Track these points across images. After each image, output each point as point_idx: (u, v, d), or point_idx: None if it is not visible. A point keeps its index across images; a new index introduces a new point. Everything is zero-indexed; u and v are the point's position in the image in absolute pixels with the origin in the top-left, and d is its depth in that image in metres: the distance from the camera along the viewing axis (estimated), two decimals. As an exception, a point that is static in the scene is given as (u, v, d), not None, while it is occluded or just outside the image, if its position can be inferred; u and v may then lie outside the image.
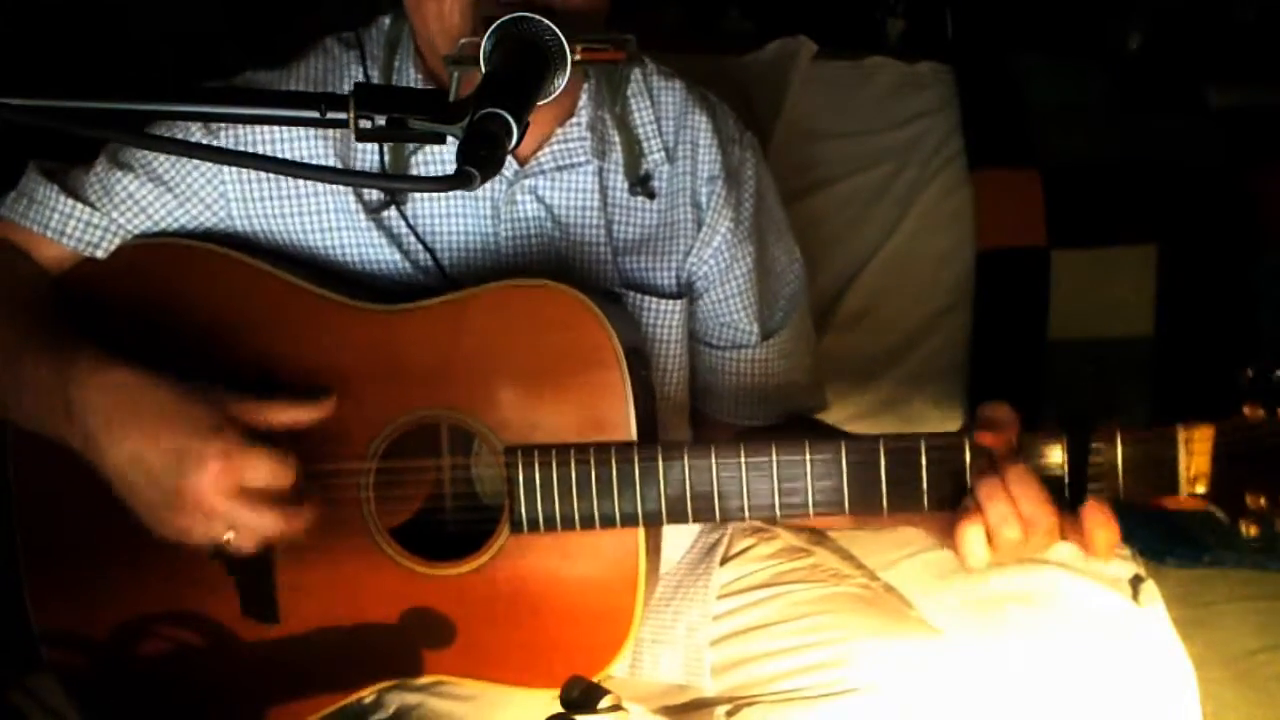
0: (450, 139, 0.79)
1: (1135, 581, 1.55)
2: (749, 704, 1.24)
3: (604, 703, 0.85)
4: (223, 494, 1.00)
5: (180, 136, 1.15)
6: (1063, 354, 1.88)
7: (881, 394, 1.88)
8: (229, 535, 1.02)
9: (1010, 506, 0.99)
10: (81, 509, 1.13)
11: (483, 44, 0.87)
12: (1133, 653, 1.42)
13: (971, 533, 1.00)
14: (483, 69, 0.86)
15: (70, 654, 1.18)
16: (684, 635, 1.31)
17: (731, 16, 2.22)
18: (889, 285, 1.91)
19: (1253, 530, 0.98)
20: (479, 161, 0.74)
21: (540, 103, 0.85)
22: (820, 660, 1.21)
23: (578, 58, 0.91)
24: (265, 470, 1.01)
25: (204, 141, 1.16)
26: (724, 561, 1.36)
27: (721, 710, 1.26)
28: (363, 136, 0.78)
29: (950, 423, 1.90)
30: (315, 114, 0.78)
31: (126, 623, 1.17)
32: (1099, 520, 0.99)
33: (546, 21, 0.86)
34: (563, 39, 0.86)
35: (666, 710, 1.31)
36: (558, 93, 0.87)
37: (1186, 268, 1.87)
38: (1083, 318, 1.88)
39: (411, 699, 1.18)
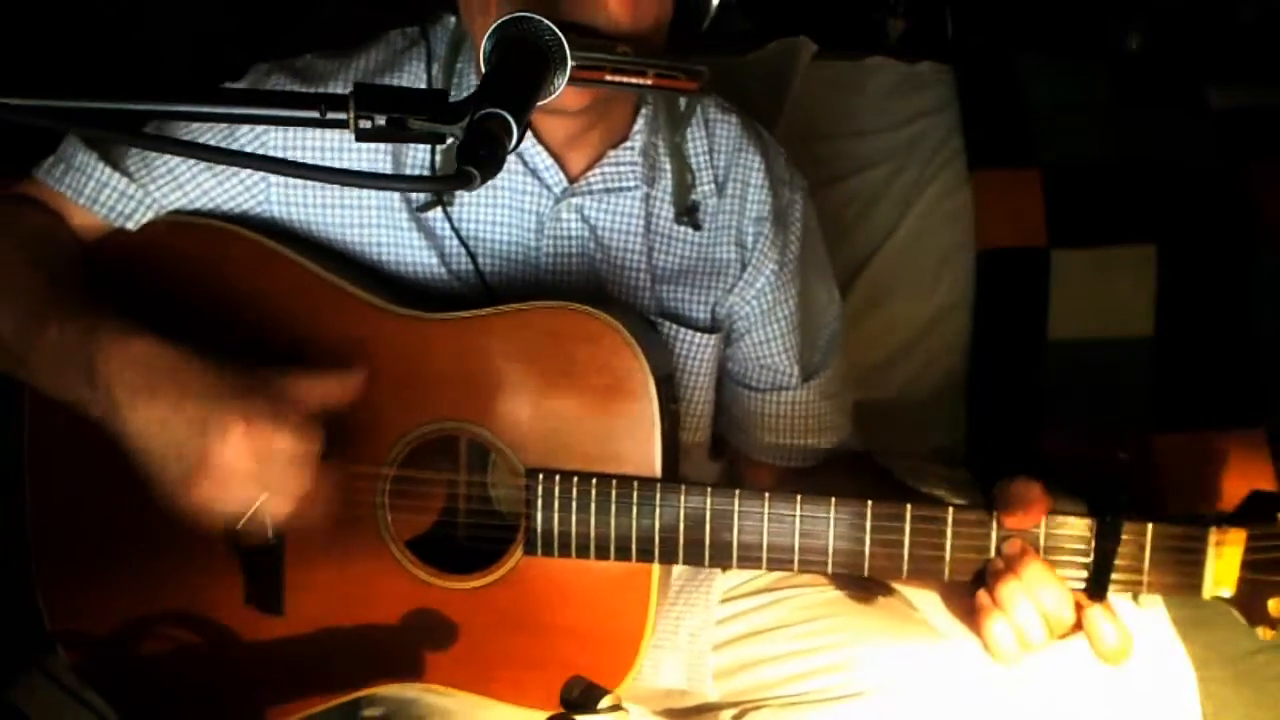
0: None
1: (1135, 581, 1.55)
2: (754, 708, 1.24)
3: (604, 703, 0.85)
4: (249, 455, 0.98)
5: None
6: (1063, 354, 1.88)
7: (882, 394, 1.88)
8: (252, 503, 1.00)
9: (1036, 610, 1.00)
10: (92, 492, 1.13)
11: (483, 44, 0.87)
12: (1133, 653, 1.42)
13: (1000, 629, 1.01)
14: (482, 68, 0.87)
15: (74, 637, 1.18)
16: (686, 642, 1.31)
17: (732, 17, 2.22)
18: (889, 285, 1.91)
19: (1269, 635, 1.00)
20: (479, 161, 0.74)
21: (541, 102, 0.85)
22: (825, 664, 1.21)
23: (649, 83, 0.94)
24: (290, 434, 1.00)
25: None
26: (725, 568, 1.36)
27: (728, 715, 1.26)
28: (363, 136, 0.78)
29: (950, 424, 1.90)
30: (315, 114, 0.78)
31: (129, 608, 1.17)
32: (1099, 626, 1.01)
33: (546, 22, 0.86)
34: (562, 39, 0.86)
35: (669, 713, 1.31)
36: (558, 93, 0.87)
37: (1186, 268, 1.87)
38: (1083, 318, 1.88)
39: (406, 693, 1.18)
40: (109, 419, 1.01)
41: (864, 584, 1.33)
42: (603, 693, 0.85)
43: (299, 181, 1.18)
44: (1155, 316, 1.88)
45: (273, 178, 1.18)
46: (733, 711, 1.26)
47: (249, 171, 1.17)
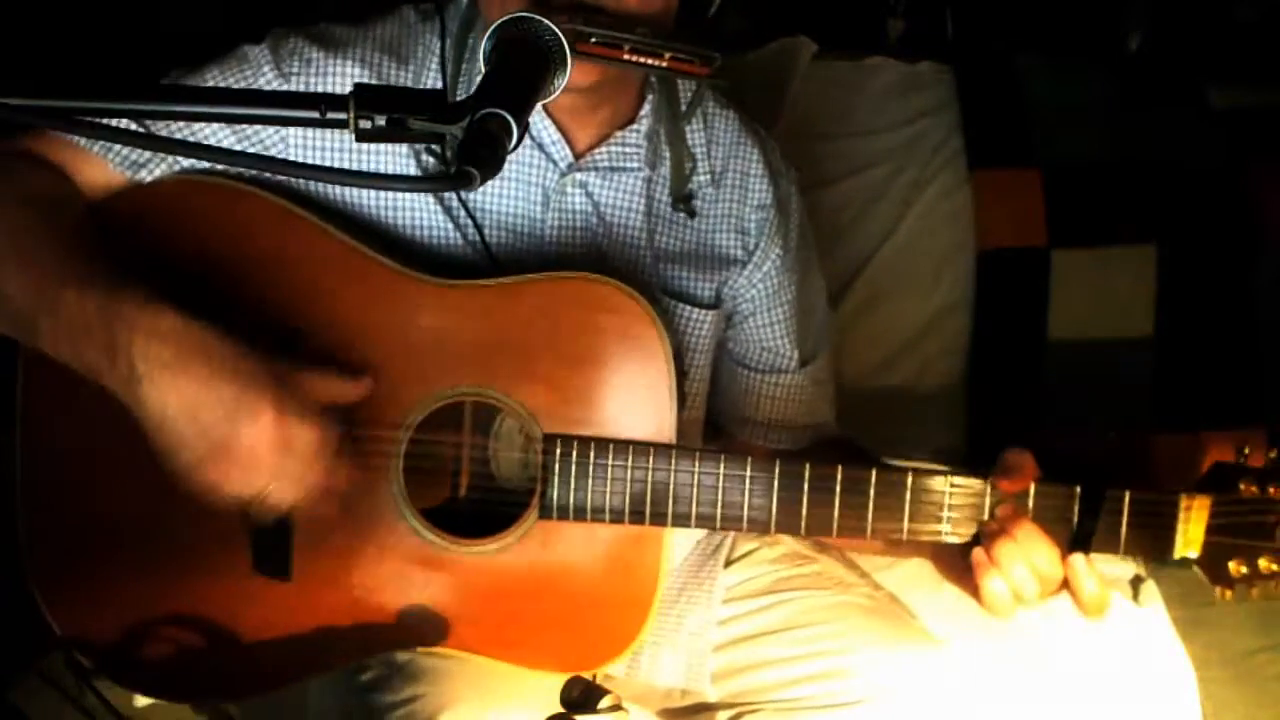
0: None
1: (1135, 581, 1.55)
2: (751, 711, 1.24)
3: (604, 703, 0.85)
4: (274, 444, 1.00)
5: None
6: (1063, 354, 1.88)
7: (881, 393, 1.88)
8: (269, 488, 1.01)
9: (1028, 567, 1.06)
10: (89, 474, 1.13)
11: (483, 44, 0.88)
12: (1133, 653, 1.42)
13: (998, 587, 1.07)
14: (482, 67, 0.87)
15: (78, 621, 1.18)
16: (687, 639, 1.31)
17: (731, 16, 2.22)
18: (889, 285, 1.91)
19: (1227, 595, 1.09)
20: (479, 161, 0.74)
21: (541, 102, 0.85)
22: (823, 670, 1.22)
23: (665, 65, 0.96)
24: (315, 429, 1.02)
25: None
26: (728, 564, 1.37)
27: (724, 716, 1.27)
28: (362, 136, 0.78)
29: (950, 424, 1.90)
30: (315, 114, 0.78)
31: (134, 585, 1.16)
32: (1080, 575, 1.06)
33: (547, 22, 0.86)
34: (562, 39, 0.86)
35: (666, 713, 1.31)
36: (557, 92, 0.87)
37: (1186, 268, 1.87)
38: (1083, 318, 1.88)
39: (399, 658, 1.18)
40: (127, 390, 1.00)
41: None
42: (603, 692, 0.85)
43: (318, 144, 1.18)
44: (1155, 316, 1.88)
45: (292, 140, 1.18)
46: (729, 713, 1.26)
47: (270, 131, 1.17)
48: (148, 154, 1.16)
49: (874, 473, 1.11)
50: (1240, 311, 1.87)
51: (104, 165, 1.16)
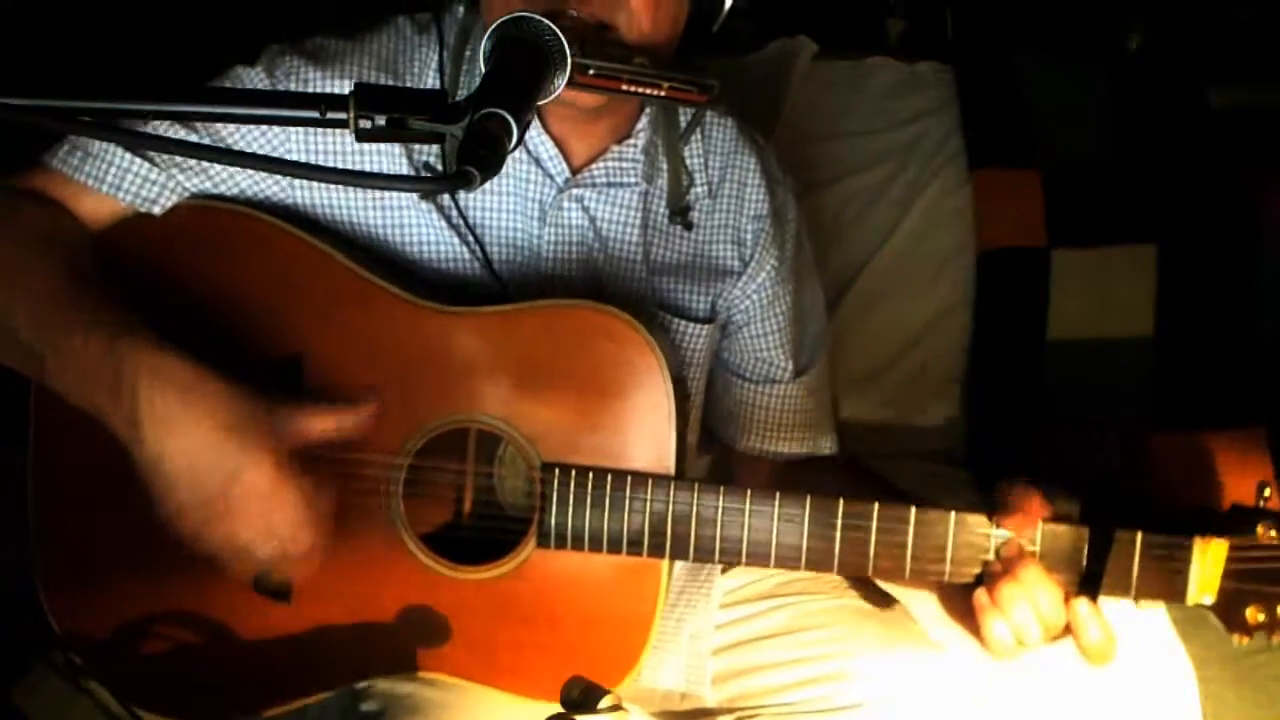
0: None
1: (1135, 581, 1.55)
2: (750, 715, 1.24)
3: (604, 703, 0.85)
4: (261, 506, 1.01)
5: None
6: (1063, 354, 1.88)
7: (881, 394, 1.87)
8: (253, 546, 1.02)
9: (1033, 611, 1.04)
10: (95, 486, 1.14)
11: (483, 44, 0.88)
12: (1133, 653, 1.42)
13: (1000, 629, 1.05)
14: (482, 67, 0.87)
15: (79, 629, 1.19)
16: (687, 643, 1.31)
17: (739, 17, 2.21)
18: (889, 285, 1.91)
19: (1244, 642, 1.06)
20: (479, 161, 0.74)
21: (540, 102, 0.85)
22: (823, 673, 1.22)
23: (663, 94, 0.97)
24: (308, 504, 1.03)
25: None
26: (726, 568, 1.37)
27: (725, 720, 1.26)
28: (362, 136, 0.78)
29: (950, 424, 1.90)
30: (315, 114, 0.78)
31: (136, 598, 1.17)
32: (1083, 620, 1.05)
33: (546, 22, 0.86)
34: (562, 39, 0.86)
35: (665, 715, 1.31)
36: (557, 92, 0.87)
37: (1186, 268, 1.87)
38: (1083, 318, 1.88)
39: (401, 689, 1.18)
40: (129, 431, 1.01)
41: (867, 590, 1.34)
42: (603, 693, 0.85)
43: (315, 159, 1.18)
44: (1155, 316, 1.87)
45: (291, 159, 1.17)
46: (729, 718, 1.26)
47: (263, 146, 1.17)
48: (157, 189, 1.16)
49: (877, 508, 1.09)
50: (1240, 311, 1.87)
51: (112, 202, 1.16)
